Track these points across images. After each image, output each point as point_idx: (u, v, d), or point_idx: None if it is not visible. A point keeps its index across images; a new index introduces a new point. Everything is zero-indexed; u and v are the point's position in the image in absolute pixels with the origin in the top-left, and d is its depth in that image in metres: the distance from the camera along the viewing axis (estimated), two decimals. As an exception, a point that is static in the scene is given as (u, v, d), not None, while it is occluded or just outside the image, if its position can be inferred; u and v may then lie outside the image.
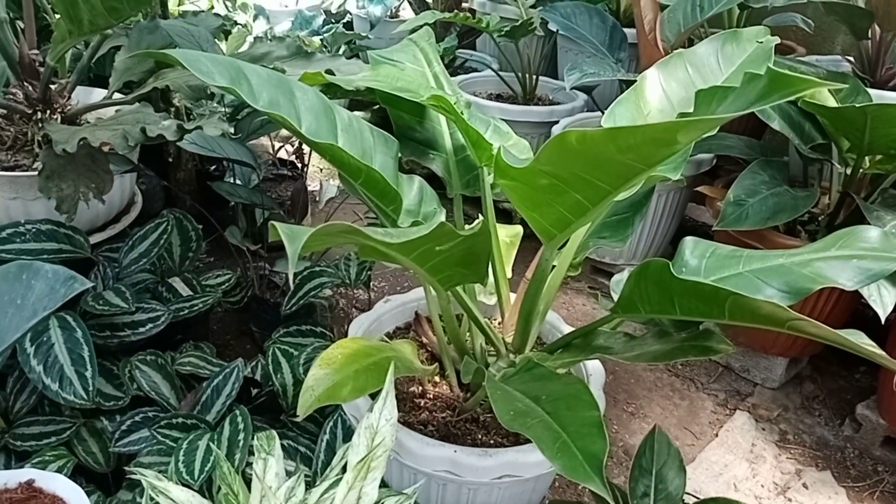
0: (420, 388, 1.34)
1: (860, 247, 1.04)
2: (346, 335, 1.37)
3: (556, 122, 2.43)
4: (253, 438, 1.22)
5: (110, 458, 1.37)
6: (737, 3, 1.97)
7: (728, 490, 1.67)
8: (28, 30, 1.59)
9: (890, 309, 1.38)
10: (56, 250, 1.48)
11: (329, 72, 1.22)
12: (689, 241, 1.15)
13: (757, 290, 1.02)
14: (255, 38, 2.91)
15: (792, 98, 0.79)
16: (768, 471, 1.73)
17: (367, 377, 1.08)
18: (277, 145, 2.42)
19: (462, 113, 1.18)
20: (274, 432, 1.12)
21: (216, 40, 1.81)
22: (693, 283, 0.94)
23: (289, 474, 1.09)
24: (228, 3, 3.45)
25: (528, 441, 1.20)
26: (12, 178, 1.51)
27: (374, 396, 1.08)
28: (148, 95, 1.61)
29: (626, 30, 2.31)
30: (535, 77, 2.72)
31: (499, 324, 1.42)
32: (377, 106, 1.43)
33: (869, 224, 1.44)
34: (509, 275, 1.37)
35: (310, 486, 1.08)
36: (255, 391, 1.56)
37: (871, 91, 1.64)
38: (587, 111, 2.56)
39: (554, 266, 1.25)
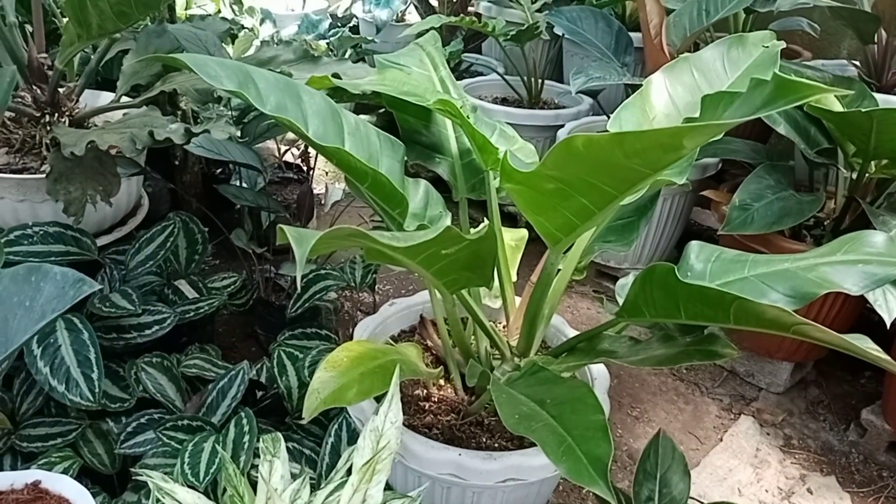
0: (425, 391, 1.34)
1: (866, 251, 1.04)
2: (351, 338, 1.38)
3: (562, 126, 2.43)
4: (258, 441, 1.23)
5: (116, 459, 1.38)
6: (743, 8, 1.97)
7: (732, 495, 1.66)
8: (37, 33, 1.60)
9: (895, 314, 1.37)
10: (63, 252, 1.49)
11: (336, 76, 1.23)
12: (694, 246, 1.15)
13: (762, 294, 1.02)
14: (261, 42, 2.92)
15: (798, 103, 0.80)
16: (773, 475, 1.73)
17: (372, 380, 1.08)
18: (283, 149, 2.42)
19: (468, 117, 1.18)
20: (279, 434, 1.12)
21: (223, 44, 1.82)
22: (698, 287, 0.94)
23: (294, 477, 1.10)
24: (235, 7, 3.47)
25: (532, 445, 1.20)
26: (20, 181, 1.52)
27: (379, 399, 1.09)
28: (155, 99, 1.62)
29: (631, 34, 2.31)
30: (540, 81, 2.73)
31: (503, 327, 1.42)
32: (382, 110, 1.44)
33: (875, 229, 1.44)
34: (514, 278, 1.38)
35: (315, 488, 1.09)
36: (259, 394, 1.56)
37: (877, 95, 1.64)
38: (593, 115, 2.56)
39: (559, 270, 1.25)
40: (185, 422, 1.35)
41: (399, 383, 1.08)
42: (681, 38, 2.01)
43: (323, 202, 2.38)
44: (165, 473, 1.12)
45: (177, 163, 2.10)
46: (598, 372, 1.35)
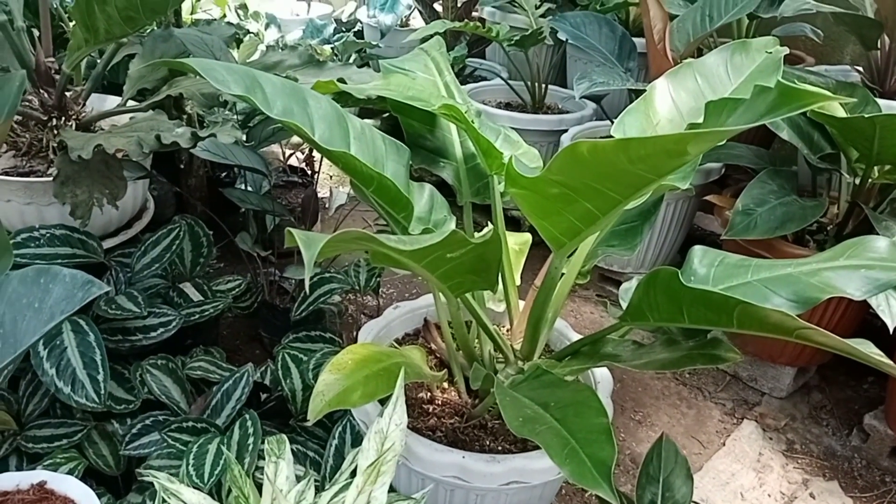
0: (429, 394, 1.34)
1: (869, 257, 1.04)
2: (355, 341, 1.38)
3: (565, 131, 2.44)
4: (262, 443, 1.24)
5: (120, 461, 1.38)
6: (746, 14, 1.98)
7: (735, 499, 1.67)
8: (44, 38, 1.61)
9: (898, 319, 1.38)
10: (70, 255, 1.50)
11: (341, 80, 1.24)
12: (697, 250, 1.15)
13: (765, 298, 1.02)
14: (267, 47, 2.93)
15: (801, 110, 0.80)
16: (775, 480, 1.73)
17: (377, 382, 1.09)
18: (288, 153, 2.44)
19: (473, 122, 1.19)
20: (284, 436, 1.13)
21: (228, 49, 1.83)
22: (702, 291, 0.94)
23: (298, 479, 1.10)
24: (240, 12, 3.48)
25: (535, 448, 1.21)
26: (27, 184, 1.53)
27: (383, 402, 1.09)
28: (161, 103, 1.63)
29: (635, 39, 2.32)
30: (544, 86, 2.73)
31: (507, 331, 1.43)
32: (387, 114, 1.44)
33: (878, 234, 1.44)
34: (518, 282, 1.38)
35: (319, 490, 1.09)
36: (264, 396, 1.57)
37: (881, 101, 1.65)
38: (596, 120, 2.57)
39: (563, 274, 1.26)
40: (190, 423, 1.35)
41: (403, 386, 1.08)
42: (684, 43, 2.02)
43: (327, 206, 2.39)
44: (170, 475, 1.12)
45: (182, 166, 2.11)
46: (602, 376, 1.36)
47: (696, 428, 1.88)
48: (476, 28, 2.42)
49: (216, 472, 1.21)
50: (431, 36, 1.65)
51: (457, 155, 1.38)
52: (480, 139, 1.21)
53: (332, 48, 3.33)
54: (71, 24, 1.93)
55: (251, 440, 1.28)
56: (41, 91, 1.60)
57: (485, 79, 3.06)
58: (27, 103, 1.60)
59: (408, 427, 1.15)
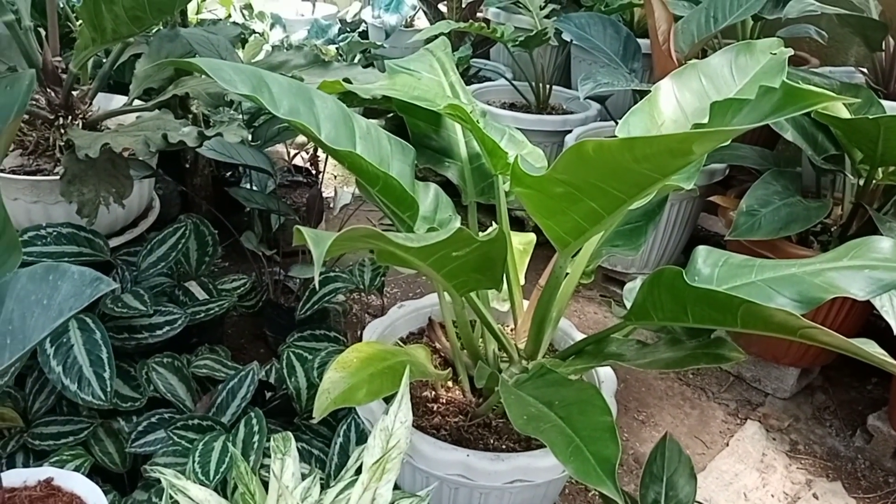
0: (433, 392, 1.35)
1: (872, 257, 1.05)
2: (359, 340, 1.39)
3: (570, 132, 2.44)
4: (267, 441, 1.24)
5: (126, 458, 1.39)
6: (750, 15, 1.98)
7: (738, 499, 1.67)
8: (51, 37, 1.62)
9: (902, 319, 1.38)
10: (76, 253, 1.50)
11: (346, 80, 1.24)
12: (701, 250, 1.16)
13: (769, 298, 1.02)
14: (272, 47, 2.94)
15: (806, 111, 0.81)
16: (779, 480, 1.73)
17: (382, 381, 1.09)
18: (293, 152, 2.44)
19: (478, 122, 1.20)
20: (290, 434, 1.13)
21: (234, 49, 1.83)
22: (706, 290, 0.95)
23: (303, 477, 1.11)
24: (245, 12, 3.49)
25: (539, 446, 1.21)
26: (34, 182, 1.54)
27: (387, 400, 1.10)
28: (167, 102, 1.64)
29: (639, 40, 2.33)
30: (548, 86, 2.74)
31: (511, 330, 1.43)
32: (391, 114, 1.45)
33: (881, 235, 1.45)
34: (522, 282, 1.39)
35: (324, 488, 1.10)
36: (269, 395, 1.58)
37: (885, 103, 1.65)
38: (600, 121, 2.57)
39: (567, 273, 1.26)
40: (196, 421, 1.36)
41: (408, 384, 1.09)
42: (689, 44, 2.02)
43: (332, 206, 2.40)
44: (176, 472, 1.13)
45: (187, 166, 2.12)
46: (606, 375, 1.36)
47: (700, 428, 1.88)
48: (481, 29, 2.42)
49: (221, 470, 1.22)
50: (436, 36, 1.66)
51: (462, 155, 1.39)
52: (485, 139, 1.21)
53: (336, 48, 3.34)
54: (78, 23, 1.94)
55: (256, 438, 1.29)
56: (48, 90, 1.61)
57: (489, 79, 3.06)
58: (34, 102, 1.61)
59: (412, 425, 1.15)
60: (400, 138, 1.24)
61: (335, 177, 3.10)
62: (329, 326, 1.83)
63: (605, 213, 0.95)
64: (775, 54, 1.27)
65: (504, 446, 1.25)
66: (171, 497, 1.01)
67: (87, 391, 1.31)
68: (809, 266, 1.06)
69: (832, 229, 1.83)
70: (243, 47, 2.82)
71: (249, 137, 1.87)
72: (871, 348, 0.89)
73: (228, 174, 2.38)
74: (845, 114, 1.58)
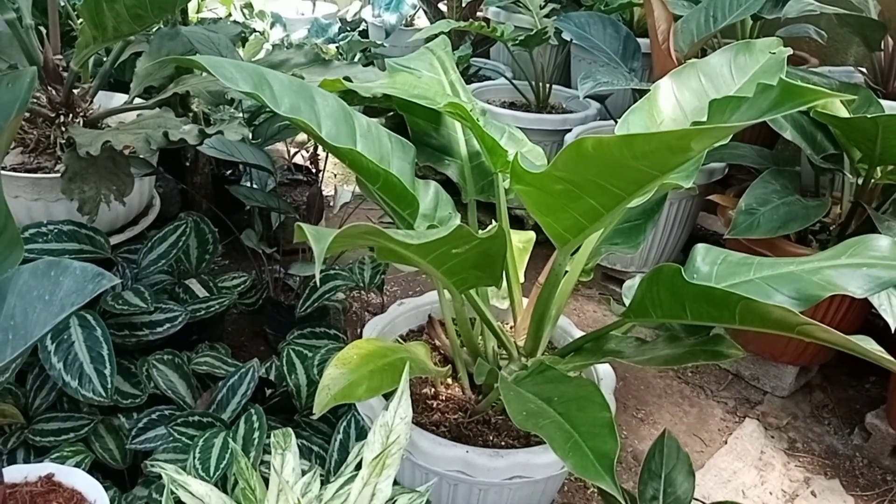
0: (433, 389, 1.35)
1: (870, 255, 1.05)
2: (359, 337, 1.39)
3: (569, 131, 2.45)
4: (267, 437, 1.25)
5: (127, 454, 1.40)
6: (750, 15, 1.99)
7: (736, 497, 1.67)
8: (52, 35, 1.62)
9: (900, 318, 1.38)
10: (77, 251, 1.51)
11: (347, 79, 1.25)
12: (700, 248, 1.16)
13: (767, 296, 1.03)
14: (272, 46, 2.94)
15: (804, 108, 0.81)
16: (777, 478, 1.74)
17: (381, 377, 1.10)
18: (293, 151, 2.44)
19: (478, 120, 1.20)
20: (290, 430, 1.14)
21: (234, 47, 1.84)
22: (704, 287, 0.95)
23: (303, 473, 1.11)
24: (245, 11, 3.50)
25: (538, 443, 1.22)
26: (35, 180, 1.54)
27: (387, 397, 1.10)
28: (168, 100, 1.64)
29: (639, 39, 2.33)
30: (548, 85, 2.74)
31: (511, 328, 1.44)
32: (391, 113, 1.45)
33: (880, 234, 1.45)
34: (522, 280, 1.39)
35: (324, 483, 1.10)
36: (269, 392, 1.58)
37: (884, 102, 1.65)
38: (600, 120, 2.58)
39: (566, 271, 1.27)
40: (196, 418, 1.36)
41: (408, 380, 1.09)
42: (688, 43, 2.03)
43: (332, 204, 2.40)
44: (177, 468, 1.13)
45: (188, 164, 2.12)
46: (605, 372, 1.37)
47: (698, 426, 1.89)
48: (481, 28, 2.43)
49: (222, 466, 1.22)
50: (436, 35, 1.66)
51: (462, 153, 1.39)
52: (485, 137, 1.22)
53: (336, 47, 3.35)
54: (79, 21, 1.94)
55: (257, 434, 1.29)
56: (49, 88, 1.61)
57: (489, 78, 3.07)
58: (35, 100, 1.61)
59: (412, 422, 1.16)
60: (400, 136, 1.25)
61: (335, 175, 3.10)
62: (329, 324, 1.83)
63: (604, 211, 0.96)
64: (774, 53, 1.27)
65: (503, 443, 1.25)
66: (172, 492, 1.02)
67: (88, 388, 1.32)
68: (808, 264, 1.06)
69: (831, 228, 1.83)
70: (243, 46, 2.82)
71: (250, 135, 1.88)
72: (868, 345, 0.90)
73: (229, 172, 2.38)
74: (844, 113, 1.59)
